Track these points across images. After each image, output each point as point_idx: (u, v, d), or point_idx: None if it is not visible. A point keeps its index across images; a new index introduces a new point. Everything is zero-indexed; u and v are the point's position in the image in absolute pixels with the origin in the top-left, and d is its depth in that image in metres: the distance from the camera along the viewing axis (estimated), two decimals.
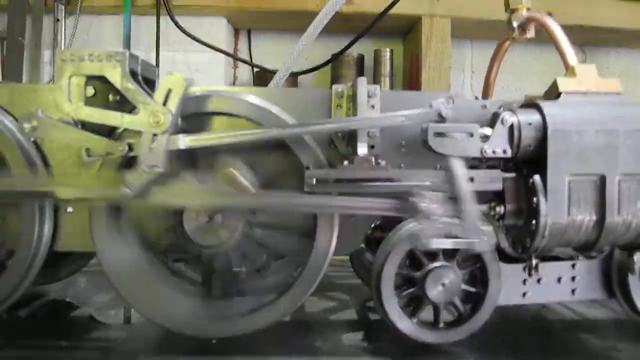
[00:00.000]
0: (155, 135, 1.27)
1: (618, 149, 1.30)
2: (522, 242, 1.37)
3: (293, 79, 3.20)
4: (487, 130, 1.32)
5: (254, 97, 1.46)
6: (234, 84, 3.39)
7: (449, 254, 1.45)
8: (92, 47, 3.03)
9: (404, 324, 1.44)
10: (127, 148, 1.29)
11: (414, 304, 1.48)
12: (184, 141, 1.29)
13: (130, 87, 1.27)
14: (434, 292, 1.43)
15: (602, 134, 1.29)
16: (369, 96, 1.40)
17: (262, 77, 3.24)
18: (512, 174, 1.37)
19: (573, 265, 1.53)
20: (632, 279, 1.50)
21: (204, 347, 1.44)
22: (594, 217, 1.31)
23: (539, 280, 1.51)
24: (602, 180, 1.29)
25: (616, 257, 1.52)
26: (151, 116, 1.26)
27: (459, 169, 1.31)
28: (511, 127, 1.32)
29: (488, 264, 1.45)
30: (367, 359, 1.41)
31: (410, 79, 3.10)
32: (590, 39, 3.19)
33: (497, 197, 1.38)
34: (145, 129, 1.26)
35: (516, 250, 1.42)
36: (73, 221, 1.45)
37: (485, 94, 1.94)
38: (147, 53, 3.08)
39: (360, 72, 3.18)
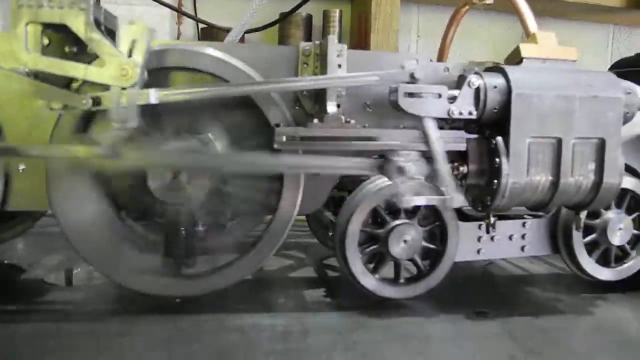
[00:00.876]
0: (123, 89, 1.22)
1: (574, 114, 1.37)
2: (482, 200, 1.43)
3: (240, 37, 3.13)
4: (455, 92, 1.36)
5: (220, 52, 1.43)
6: (178, 39, 3.28)
7: (411, 212, 1.50)
8: None
9: (367, 280, 1.49)
10: (91, 101, 1.23)
11: (376, 261, 1.53)
12: (156, 96, 1.25)
13: (95, 37, 1.20)
14: (397, 249, 1.48)
15: (560, 99, 1.36)
16: (337, 55, 1.40)
17: (209, 33, 3.15)
18: (476, 136, 1.42)
19: (523, 224, 1.62)
20: (575, 237, 1.61)
21: (168, 306, 1.42)
22: (550, 178, 1.38)
23: (492, 238, 1.59)
24: (559, 143, 1.36)
25: (562, 217, 1.63)
26: (118, 68, 1.20)
27: (433, 130, 1.34)
28: (477, 89, 1.36)
29: (447, 222, 1.51)
30: (333, 313, 1.45)
31: (359, 40, 3.10)
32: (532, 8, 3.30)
33: (460, 157, 1.43)
34: (112, 82, 1.21)
35: (476, 208, 1.48)
36: (27, 180, 1.38)
37: (440, 57, 1.98)
38: None
39: (309, 32, 3.15)
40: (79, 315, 1.40)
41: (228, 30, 3.09)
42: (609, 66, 3.52)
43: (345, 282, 1.52)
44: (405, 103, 1.33)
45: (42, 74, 1.26)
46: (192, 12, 3.24)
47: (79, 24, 1.20)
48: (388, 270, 1.52)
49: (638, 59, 2.98)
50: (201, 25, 3.19)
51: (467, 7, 1.82)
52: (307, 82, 1.37)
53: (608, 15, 3.39)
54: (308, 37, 3.16)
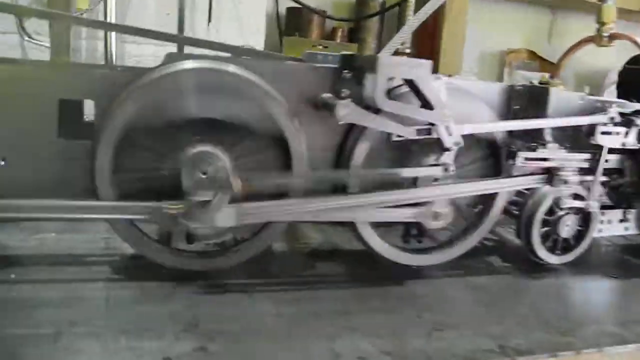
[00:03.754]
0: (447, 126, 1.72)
1: None
2: (629, 201, 2.11)
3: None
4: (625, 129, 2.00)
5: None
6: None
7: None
8: None
9: (543, 253, 2.13)
10: (415, 132, 1.72)
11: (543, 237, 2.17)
12: (468, 128, 1.76)
13: (429, 89, 1.68)
14: (564, 231, 2.13)
15: None
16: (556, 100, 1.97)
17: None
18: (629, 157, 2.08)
19: (625, 212, 2.32)
20: None
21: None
22: None
23: (609, 221, 2.28)
24: None
25: None
26: (442, 111, 1.70)
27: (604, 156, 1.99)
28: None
29: (593, 213, 2.17)
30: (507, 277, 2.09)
31: (428, 29, 3.59)
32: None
33: (617, 172, 2.08)
34: (439, 122, 1.71)
35: (619, 205, 2.17)
36: None
37: (554, 73, 2.57)
38: None
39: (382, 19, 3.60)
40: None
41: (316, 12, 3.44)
42: None
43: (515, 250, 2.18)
44: (601, 139, 1.95)
45: None
46: None
47: (421, 79, 1.66)
48: None
49: None
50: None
51: (591, 43, 2.42)
52: (532, 123, 1.93)
53: None
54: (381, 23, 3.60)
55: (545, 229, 2.14)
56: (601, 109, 1.97)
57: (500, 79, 3.87)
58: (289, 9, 3.53)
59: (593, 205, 2.06)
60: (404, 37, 2.35)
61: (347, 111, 1.63)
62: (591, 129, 1.96)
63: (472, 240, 2.05)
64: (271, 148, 1.74)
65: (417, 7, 3.60)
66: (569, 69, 4.15)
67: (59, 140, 1.64)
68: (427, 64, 1.66)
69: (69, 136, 1.66)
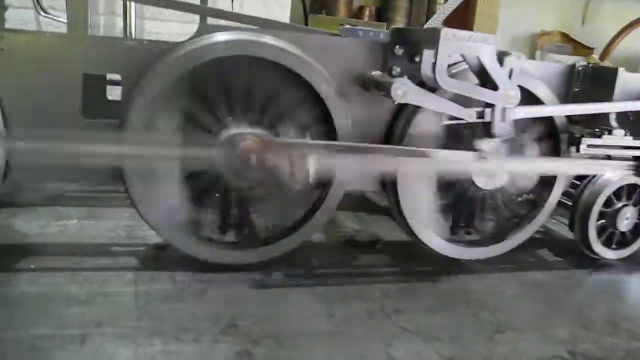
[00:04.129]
0: (504, 109, 1.55)
1: None
2: None
3: None
4: None
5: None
6: None
7: (629, 196, 1.97)
8: None
9: (596, 246, 1.97)
10: (475, 115, 1.55)
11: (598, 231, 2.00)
12: (523, 112, 1.59)
13: (495, 67, 1.51)
14: (622, 225, 1.96)
15: None
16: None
17: None
18: None
19: None
20: None
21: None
22: None
23: None
24: None
25: None
26: (506, 93, 1.53)
27: None
28: None
29: None
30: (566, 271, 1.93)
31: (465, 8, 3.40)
32: None
33: None
34: (500, 103, 1.53)
35: None
36: None
37: (603, 55, 2.39)
38: None
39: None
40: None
41: None
42: None
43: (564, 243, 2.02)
44: None
45: None
46: None
47: (487, 56, 1.49)
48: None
49: None
50: None
51: None
52: (600, 106, 1.76)
53: None
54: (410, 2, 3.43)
55: (602, 221, 1.98)
56: None
57: None
58: None
59: None
60: (442, 17, 2.18)
61: (404, 90, 1.46)
62: None
63: (526, 232, 1.90)
64: (314, 128, 1.58)
65: None
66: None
67: (83, 119, 1.49)
68: (494, 39, 1.49)
69: (93, 115, 1.51)
